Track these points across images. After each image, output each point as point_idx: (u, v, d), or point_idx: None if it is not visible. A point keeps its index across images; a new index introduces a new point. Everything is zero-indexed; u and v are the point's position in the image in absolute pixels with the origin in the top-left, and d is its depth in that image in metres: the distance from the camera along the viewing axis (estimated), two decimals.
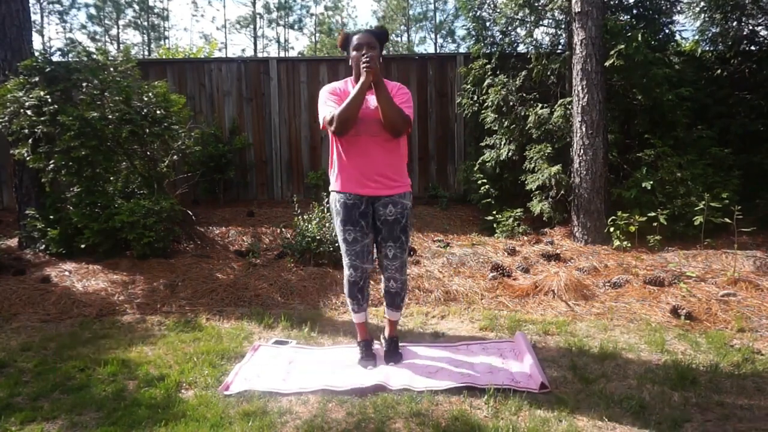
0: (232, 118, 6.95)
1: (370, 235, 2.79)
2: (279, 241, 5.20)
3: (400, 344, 3.04)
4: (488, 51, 6.46)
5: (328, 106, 2.67)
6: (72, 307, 3.87)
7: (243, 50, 26.22)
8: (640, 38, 5.09)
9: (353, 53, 2.67)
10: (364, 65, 2.51)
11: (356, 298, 2.86)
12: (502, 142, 6.12)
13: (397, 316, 2.97)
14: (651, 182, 5.02)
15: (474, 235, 5.69)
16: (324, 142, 7.05)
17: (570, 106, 5.48)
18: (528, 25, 6.29)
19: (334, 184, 2.79)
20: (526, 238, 5.47)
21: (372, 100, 2.63)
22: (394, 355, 2.86)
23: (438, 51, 19.77)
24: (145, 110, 4.96)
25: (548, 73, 5.93)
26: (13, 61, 5.05)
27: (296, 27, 23.99)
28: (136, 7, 22.36)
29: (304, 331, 3.34)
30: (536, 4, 6.06)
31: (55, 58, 5.15)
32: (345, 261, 2.80)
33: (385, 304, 2.97)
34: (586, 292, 3.86)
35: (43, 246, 4.97)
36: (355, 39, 2.69)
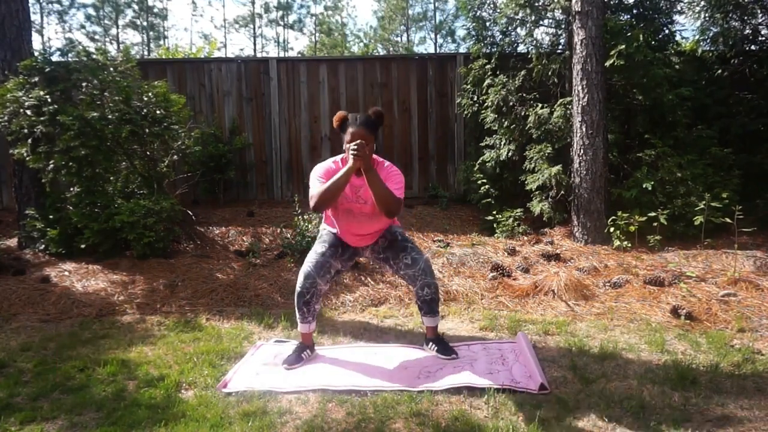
0: (232, 118, 6.95)
1: (340, 266, 2.92)
2: (279, 241, 5.20)
3: (400, 343, 3.05)
4: (488, 51, 6.46)
5: (316, 183, 2.72)
6: (72, 307, 3.87)
7: (242, 50, 26.24)
8: (640, 38, 5.09)
9: (346, 143, 2.67)
10: (353, 152, 2.58)
11: (302, 311, 2.81)
12: (502, 142, 6.12)
13: (438, 320, 2.98)
14: (651, 182, 5.02)
15: (474, 235, 5.69)
16: (324, 142, 7.05)
17: (570, 106, 5.48)
18: (528, 25, 6.29)
19: (329, 226, 2.95)
20: (526, 238, 5.47)
21: (362, 193, 2.75)
22: (448, 348, 2.90)
23: (438, 51, 19.78)
24: (145, 110, 4.95)
25: (548, 73, 5.93)
26: (12, 61, 5.05)
27: (296, 27, 24.00)
28: (136, 7, 22.35)
29: None
30: (536, 4, 6.05)
31: (55, 58, 5.16)
32: (302, 269, 2.80)
33: (422, 312, 2.94)
34: (586, 292, 3.86)
35: (43, 246, 4.97)
36: (349, 130, 2.67)
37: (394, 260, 2.88)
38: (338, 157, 2.83)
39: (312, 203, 2.67)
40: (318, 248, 2.88)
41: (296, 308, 2.83)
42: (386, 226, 2.92)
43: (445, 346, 2.92)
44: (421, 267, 2.82)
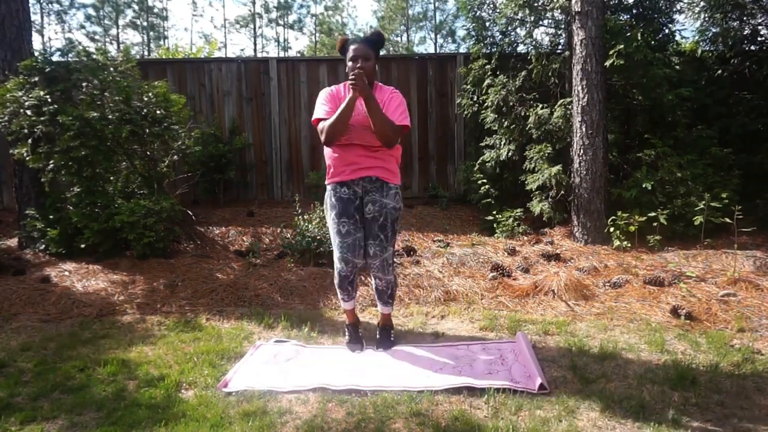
0: (232, 118, 6.95)
1: (362, 231, 2.88)
2: (279, 241, 5.20)
3: (400, 343, 3.05)
4: (488, 51, 6.46)
5: (321, 108, 2.83)
6: (72, 307, 3.87)
7: (242, 50, 26.24)
8: (639, 38, 5.09)
9: (348, 63, 2.76)
10: (351, 82, 2.62)
11: (346, 290, 2.98)
12: (502, 142, 6.12)
13: (387, 310, 3.10)
14: (651, 182, 5.02)
15: (474, 235, 5.69)
16: (322, 144, 7.04)
17: (570, 106, 5.48)
18: (528, 26, 6.29)
19: (328, 180, 2.95)
20: (526, 238, 5.47)
21: (361, 110, 2.74)
22: (385, 341, 3.03)
23: (438, 51, 19.78)
24: (145, 110, 4.96)
25: (548, 73, 5.93)
26: (12, 60, 5.05)
27: (296, 27, 24.00)
28: (136, 7, 22.35)
29: (304, 331, 3.34)
30: (536, 5, 6.05)
31: (55, 58, 5.16)
32: (336, 254, 2.88)
33: (376, 296, 3.08)
34: (586, 292, 3.87)
35: (43, 246, 4.97)
36: (351, 49, 2.76)
37: (366, 237, 2.86)
38: (340, 85, 2.91)
39: (322, 138, 2.77)
40: (338, 228, 2.83)
41: (339, 290, 2.99)
42: (388, 165, 2.90)
43: (385, 339, 3.05)
44: (377, 264, 2.86)
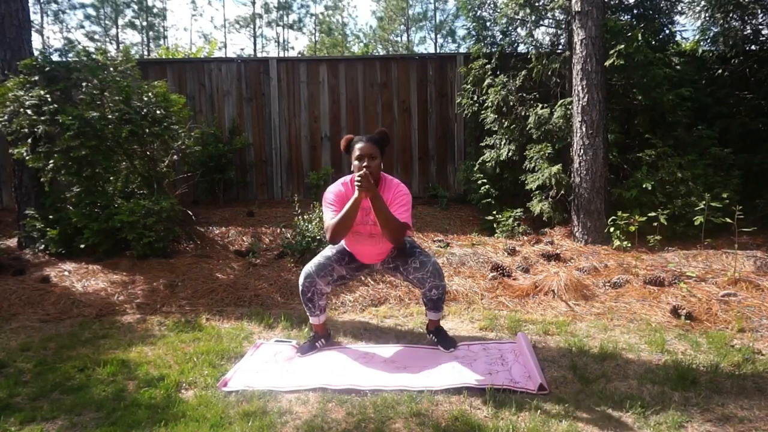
0: (232, 118, 6.95)
1: (345, 273, 2.97)
2: (279, 241, 5.19)
3: (400, 343, 3.05)
4: (488, 51, 6.46)
5: (328, 213, 2.80)
6: (72, 307, 3.87)
7: (242, 50, 26.22)
8: (640, 38, 5.09)
9: (354, 162, 2.76)
10: (357, 183, 2.62)
11: (307, 306, 2.98)
12: (502, 142, 6.12)
13: (440, 315, 3.06)
14: (651, 182, 5.02)
15: (474, 235, 5.69)
16: (324, 142, 7.05)
17: (570, 106, 5.48)
18: (528, 25, 6.29)
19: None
20: (526, 238, 5.47)
21: (371, 215, 2.77)
22: (448, 339, 2.99)
23: (438, 51, 19.78)
24: (145, 110, 4.95)
25: (548, 73, 5.93)
26: (12, 60, 5.05)
27: (296, 27, 24.00)
28: (135, 7, 22.35)
29: (304, 331, 3.33)
30: (536, 4, 6.05)
31: (55, 57, 5.15)
32: (304, 268, 2.93)
33: (427, 308, 3.02)
34: (586, 292, 3.86)
35: (43, 246, 4.97)
36: (356, 148, 2.76)
37: (403, 267, 2.91)
38: (347, 178, 2.89)
39: (327, 236, 2.76)
40: (326, 251, 2.99)
41: (303, 305, 2.99)
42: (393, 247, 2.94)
43: (444, 337, 3.01)
44: (430, 270, 2.85)
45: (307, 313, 3.02)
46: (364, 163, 2.71)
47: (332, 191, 2.87)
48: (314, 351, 2.97)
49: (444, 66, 7.05)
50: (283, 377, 2.65)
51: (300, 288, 2.93)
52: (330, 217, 2.77)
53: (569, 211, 5.50)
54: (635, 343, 3.03)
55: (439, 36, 21.87)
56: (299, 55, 21.14)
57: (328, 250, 2.99)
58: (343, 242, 2.96)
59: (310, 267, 2.92)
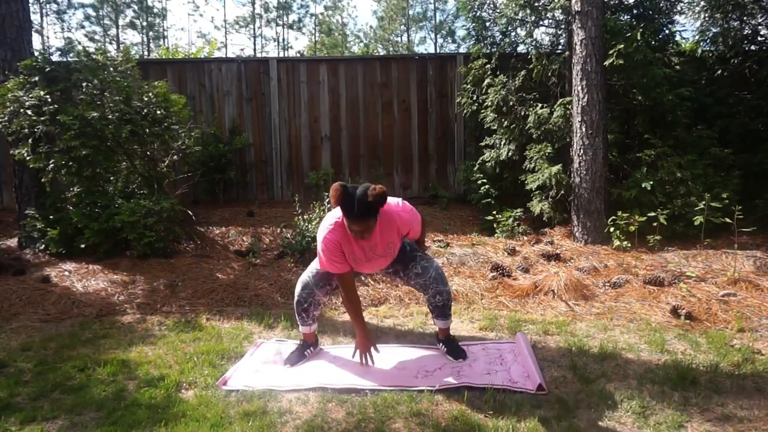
0: (232, 118, 6.95)
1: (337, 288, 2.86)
2: (279, 241, 5.19)
3: (399, 343, 3.05)
4: (488, 51, 6.46)
5: (333, 264, 2.62)
6: (72, 307, 3.87)
7: (242, 50, 26.24)
8: (639, 38, 5.09)
9: (347, 227, 2.48)
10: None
11: (301, 316, 2.86)
12: (502, 142, 6.12)
13: (449, 323, 2.93)
14: (651, 182, 5.02)
15: (474, 235, 5.69)
16: (324, 142, 7.05)
17: (570, 106, 5.48)
18: (528, 26, 6.29)
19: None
20: (526, 238, 5.47)
21: (377, 255, 2.67)
22: (457, 350, 2.87)
23: (438, 51, 19.76)
24: (145, 110, 4.95)
25: (548, 73, 5.93)
26: (13, 60, 5.05)
27: (295, 27, 24.00)
28: (135, 8, 22.35)
29: None
30: (536, 5, 6.05)
31: (55, 58, 5.16)
32: (301, 277, 2.85)
33: (433, 315, 2.92)
34: (586, 292, 3.86)
35: (43, 246, 4.97)
36: (347, 224, 2.45)
37: (403, 272, 2.83)
38: (336, 220, 2.58)
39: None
40: (317, 264, 2.81)
41: (296, 313, 2.88)
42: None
43: (454, 347, 2.89)
44: (432, 275, 2.76)
45: (299, 322, 2.89)
46: (358, 237, 2.48)
47: (333, 241, 2.58)
48: (304, 360, 2.85)
49: (444, 66, 7.06)
50: (282, 377, 2.66)
51: (296, 298, 2.81)
52: (332, 265, 2.62)
53: (569, 211, 5.50)
54: (635, 343, 3.03)
55: (439, 36, 21.87)
56: (299, 55, 21.13)
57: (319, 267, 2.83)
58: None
59: (308, 277, 2.80)
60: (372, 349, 2.79)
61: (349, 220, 2.42)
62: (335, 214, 2.59)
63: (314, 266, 2.85)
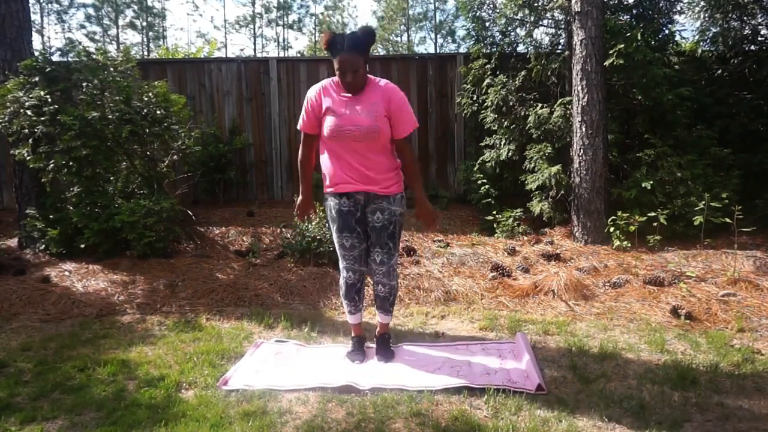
0: (232, 118, 6.95)
1: (365, 241, 2.80)
2: (279, 241, 5.20)
3: (399, 343, 3.05)
4: (488, 51, 6.46)
5: (301, 117, 2.74)
6: (72, 307, 3.87)
7: (242, 50, 26.24)
8: (639, 37, 5.09)
9: (336, 71, 2.53)
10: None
11: (353, 300, 2.87)
12: (502, 142, 6.12)
13: (388, 319, 2.93)
14: (651, 182, 5.02)
15: (474, 235, 5.69)
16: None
17: (570, 106, 5.48)
18: (528, 26, 6.29)
19: (326, 189, 2.78)
20: (526, 238, 5.47)
21: (358, 111, 2.58)
22: (385, 351, 2.88)
23: (438, 51, 19.76)
24: (145, 110, 4.96)
25: (548, 73, 5.93)
26: (13, 61, 5.05)
27: (295, 27, 24.00)
28: (135, 8, 22.35)
29: (304, 331, 3.34)
30: (536, 5, 6.06)
31: (55, 58, 5.16)
32: (342, 264, 2.83)
33: (376, 306, 2.95)
34: (586, 292, 3.87)
35: (43, 246, 4.97)
36: (336, 60, 2.51)
37: (371, 243, 2.76)
38: (328, 82, 2.67)
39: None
40: (341, 240, 2.75)
41: (345, 300, 2.88)
42: (384, 166, 2.68)
43: (384, 347, 2.90)
44: (383, 270, 2.75)
45: (349, 311, 2.89)
46: (347, 79, 2.51)
47: (309, 94, 2.68)
48: (367, 358, 2.85)
49: (444, 66, 7.06)
50: (283, 377, 2.66)
51: (348, 283, 2.79)
52: (301, 121, 2.73)
53: (569, 211, 5.50)
54: (635, 343, 3.03)
55: (439, 36, 21.89)
56: (299, 55, 21.13)
57: (340, 239, 2.74)
58: (332, 193, 2.73)
59: (348, 262, 2.77)
60: (311, 213, 2.93)
61: (339, 55, 2.49)
62: (325, 82, 2.71)
63: (341, 249, 2.77)
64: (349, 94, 2.61)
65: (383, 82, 2.70)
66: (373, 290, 2.91)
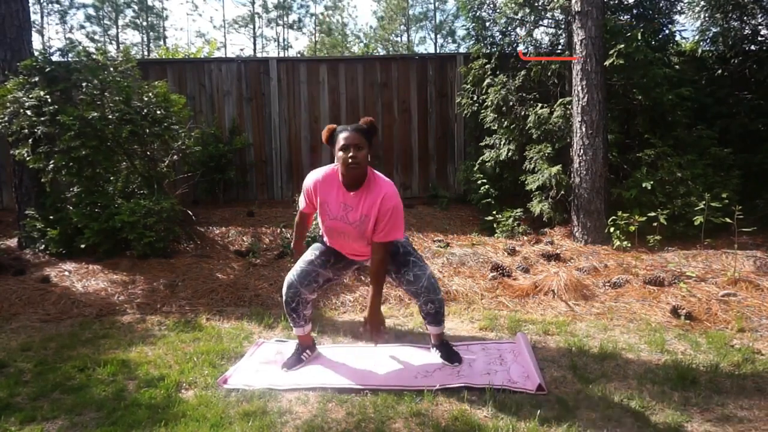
0: (232, 118, 6.95)
1: (331, 275, 2.81)
2: (279, 241, 5.20)
3: (399, 343, 3.04)
4: (488, 51, 6.46)
5: (301, 199, 2.79)
6: (72, 307, 3.87)
7: (242, 50, 26.24)
8: (640, 37, 5.09)
9: (339, 153, 2.49)
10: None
11: (291, 317, 2.77)
12: (502, 142, 6.12)
13: (442, 328, 2.84)
14: (651, 182, 5.02)
15: (474, 235, 5.69)
16: (323, 144, 7.03)
17: (570, 106, 5.48)
18: (528, 25, 6.29)
19: (323, 234, 2.82)
20: (526, 238, 5.47)
21: (349, 221, 2.60)
22: (452, 354, 2.81)
23: (438, 51, 19.77)
24: (145, 110, 4.95)
25: (548, 73, 5.93)
26: (13, 61, 5.05)
27: (295, 27, 24.00)
28: (135, 8, 22.35)
29: None
30: (536, 4, 6.05)
31: (55, 58, 5.15)
32: (287, 277, 2.76)
33: (426, 321, 2.82)
34: (586, 292, 3.87)
35: (43, 246, 4.97)
36: (341, 138, 2.50)
37: (396, 274, 2.73)
38: (329, 169, 2.67)
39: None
40: (308, 255, 2.79)
41: (286, 315, 2.80)
42: None
43: (449, 351, 2.84)
44: (424, 285, 2.66)
45: (291, 324, 2.81)
46: (350, 154, 2.45)
47: (308, 183, 2.69)
48: (301, 364, 2.78)
49: (444, 66, 7.06)
50: (283, 376, 2.66)
51: (283, 298, 2.72)
52: (300, 203, 2.81)
53: (569, 212, 5.50)
54: (635, 343, 3.03)
55: (439, 36, 21.88)
56: (299, 55, 21.14)
57: (311, 254, 2.78)
58: (325, 238, 2.80)
59: (293, 276, 2.72)
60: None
61: (343, 135, 2.51)
62: (325, 168, 2.71)
63: (300, 263, 2.78)
64: (350, 192, 2.57)
65: (384, 184, 2.59)
66: (423, 311, 2.76)
